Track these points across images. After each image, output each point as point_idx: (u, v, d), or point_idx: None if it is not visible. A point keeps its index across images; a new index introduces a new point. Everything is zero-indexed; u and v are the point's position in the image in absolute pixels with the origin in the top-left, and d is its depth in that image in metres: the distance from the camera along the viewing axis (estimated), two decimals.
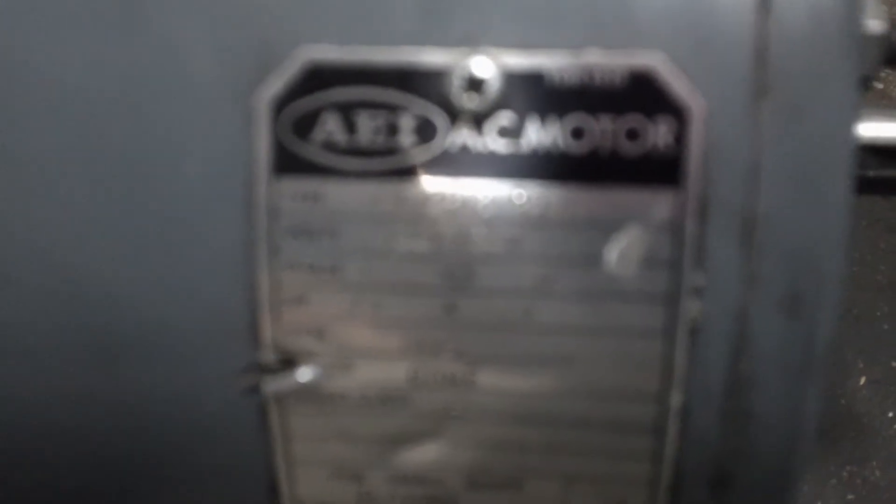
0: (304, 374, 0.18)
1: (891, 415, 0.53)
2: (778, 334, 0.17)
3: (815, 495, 0.47)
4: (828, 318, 0.17)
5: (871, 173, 0.29)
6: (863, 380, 0.54)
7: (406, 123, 0.17)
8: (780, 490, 0.18)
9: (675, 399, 0.17)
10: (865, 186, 0.30)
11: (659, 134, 0.16)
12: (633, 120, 0.16)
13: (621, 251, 0.17)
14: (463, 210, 0.17)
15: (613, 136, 0.16)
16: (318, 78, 0.17)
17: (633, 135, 0.16)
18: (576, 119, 0.16)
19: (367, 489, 0.19)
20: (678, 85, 0.16)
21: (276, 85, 0.17)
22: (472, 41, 0.16)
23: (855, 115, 0.16)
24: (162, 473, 0.20)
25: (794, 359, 0.17)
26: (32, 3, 0.17)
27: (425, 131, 0.17)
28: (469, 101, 0.16)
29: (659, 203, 0.16)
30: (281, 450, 0.19)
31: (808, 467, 0.19)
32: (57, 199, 0.17)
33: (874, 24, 0.18)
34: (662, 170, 0.16)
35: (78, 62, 0.17)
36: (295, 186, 0.17)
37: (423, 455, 0.19)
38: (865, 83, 0.17)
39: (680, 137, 0.16)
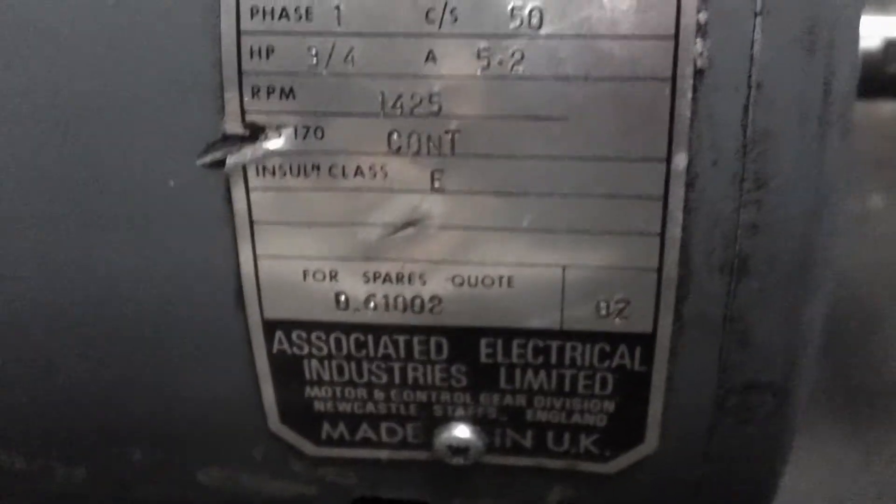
0: (272, 142, 0.18)
1: None
2: (793, 74, 0.16)
3: (864, 464, 0.46)
4: (846, 53, 0.16)
5: None
6: None
7: None
8: (800, 278, 0.18)
9: (679, 158, 0.17)
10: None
11: None
12: None
13: None
14: None
15: None
16: None
17: None
18: None
19: (342, 289, 0.19)
20: None
21: None
22: None
23: None
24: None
25: (811, 103, 0.17)
26: None
27: None
28: None
29: None
30: (247, 242, 0.18)
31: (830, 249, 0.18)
32: None
33: None
34: None
35: None
36: None
37: (403, 242, 0.18)
38: None
39: None
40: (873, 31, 0.30)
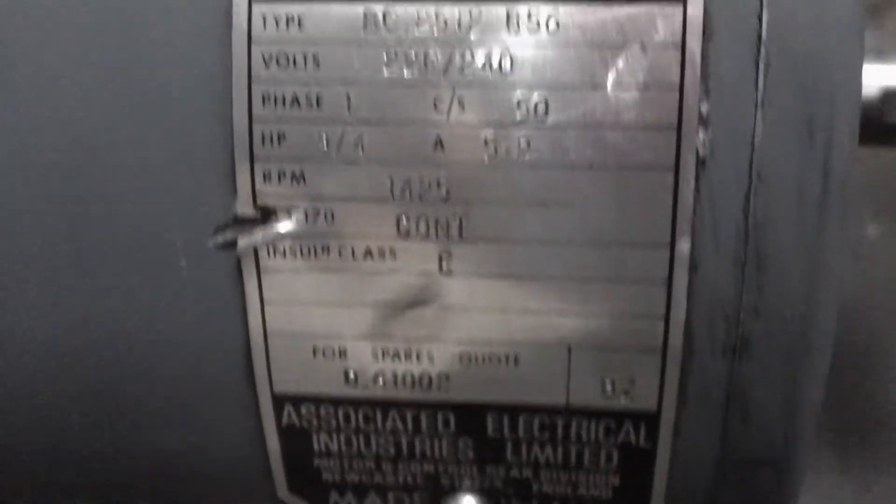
0: (283, 224, 0.18)
1: None
2: (793, 163, 0.17)
3: (860, 497, 0.46)
4: (843, 142, 0.17)
5: None
6: None
7: None
8: (800, 357, 0.18)
9: (682, 244, 0.18)
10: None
11: None
12: None
13: (620, 72, 0.17)
14: (451, 32, 0.17)
15: None
16: None
17: None
18: None
19: (351, 366, 0.19)
20: None
21: None
22: None
23: None
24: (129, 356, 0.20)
25: (810, 192, 0.17)
26: None
27: None
28: None
29: (660, 20, 0.17)
30: (258, 320, 0.19)
31: (828, 332, 0.19)
32: None
33: None
34: None
35: None
36: (275, 9, 0.17)
37: (412, 321, 0.19)
38: None
39: None
40: (871, 80, 0.30)
